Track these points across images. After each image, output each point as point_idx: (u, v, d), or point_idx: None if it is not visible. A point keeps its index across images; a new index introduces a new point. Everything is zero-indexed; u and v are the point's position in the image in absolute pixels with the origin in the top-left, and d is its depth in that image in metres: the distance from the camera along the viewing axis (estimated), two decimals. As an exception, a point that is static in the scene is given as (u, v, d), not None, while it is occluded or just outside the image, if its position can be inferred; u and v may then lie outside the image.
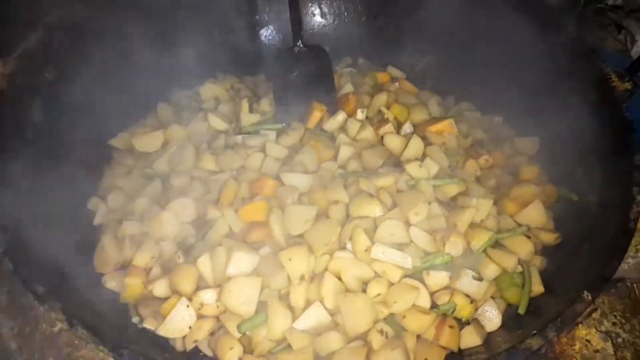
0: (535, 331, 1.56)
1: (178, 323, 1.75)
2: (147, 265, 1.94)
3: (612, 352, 1.89)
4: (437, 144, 2.25)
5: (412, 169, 2.09)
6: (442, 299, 1.84)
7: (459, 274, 1.84)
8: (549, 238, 2.06)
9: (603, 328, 1.97)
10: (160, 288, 1.86)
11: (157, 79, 2.61)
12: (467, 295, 1.83)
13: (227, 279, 1.77)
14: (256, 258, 1.81)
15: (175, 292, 1.82)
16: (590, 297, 1.63)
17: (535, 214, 2.08)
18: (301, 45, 2.48)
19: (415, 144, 2.21)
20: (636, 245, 2.10)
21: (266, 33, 3.04)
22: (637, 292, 2.04)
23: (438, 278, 1.84)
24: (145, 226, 2.02)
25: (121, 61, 2.46)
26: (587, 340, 1.96)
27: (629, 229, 1.69)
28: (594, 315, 1.96)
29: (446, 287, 1.86)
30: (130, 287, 1.90)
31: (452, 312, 1.82)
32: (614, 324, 1.97)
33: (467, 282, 1.83)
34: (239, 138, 2.32)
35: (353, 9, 2.94)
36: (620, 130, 1.94)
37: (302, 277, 1.78)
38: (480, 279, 1.84)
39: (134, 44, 2.49)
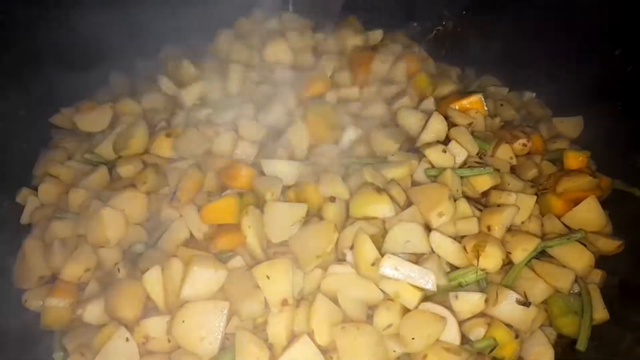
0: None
1: (114, 362, 1.48)
2: (80, 280, 1.73)
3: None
4: (464, 124, 1.98)
5: (434, 154, 1.82)
6: (476, 332, 1.59)
7: (497, 296, 1.58)
8: (609, 246, 1.80)
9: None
10: (92, 312, 1.63)
11: (117, 44, 2.29)
12: (509, 326, 1.59)
13: (183, 303, 1.53)
14: (222, 274, 1.58)
15: (113, 319, 1.60)
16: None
17: (589, 214, 1.83)
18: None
19: (437, 124, 1.92)
20: None
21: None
22: None
23: (470, 302, 1.58)
24: (81, 227, 1.80)
25: (70, 21, 2.16)
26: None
27: None
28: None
29: (481, 315, 1.62)
30: (54, 310, 1.68)
31: (491, 350, 1.57)
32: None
33: (509, 308, 1.58)
34: (203, 113, 2.06)
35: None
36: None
37: (284, 302, 1.53)
38: (527, 303, 1.59)
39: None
